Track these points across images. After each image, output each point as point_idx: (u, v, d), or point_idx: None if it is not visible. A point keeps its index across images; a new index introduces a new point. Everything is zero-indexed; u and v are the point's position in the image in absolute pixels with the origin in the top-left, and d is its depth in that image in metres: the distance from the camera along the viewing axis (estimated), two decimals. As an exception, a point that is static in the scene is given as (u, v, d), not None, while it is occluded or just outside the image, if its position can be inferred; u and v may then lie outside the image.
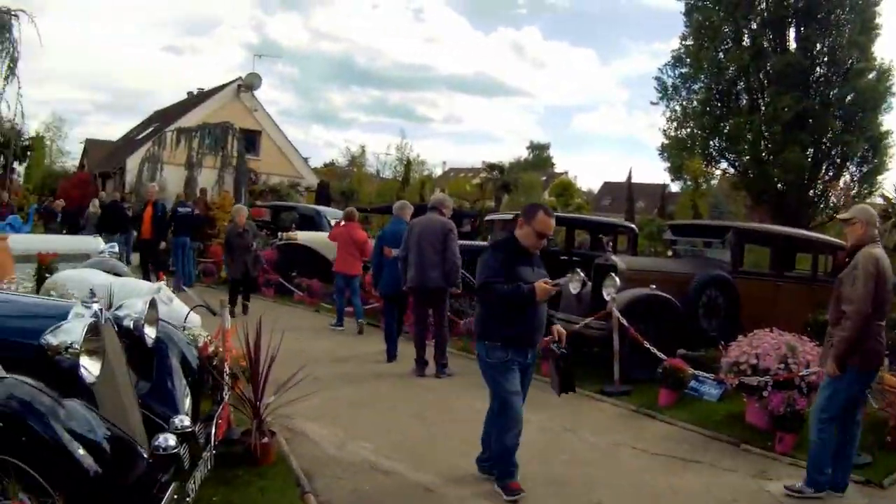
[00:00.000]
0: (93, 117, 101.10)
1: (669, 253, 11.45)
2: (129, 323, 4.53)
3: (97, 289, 6.81)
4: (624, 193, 46.14)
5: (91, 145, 46.15)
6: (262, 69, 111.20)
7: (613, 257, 9.73)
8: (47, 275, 7.44)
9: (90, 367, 3.64)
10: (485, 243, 13.63)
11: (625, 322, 8.46)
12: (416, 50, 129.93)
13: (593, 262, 9.98)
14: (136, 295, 7.00)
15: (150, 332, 4.58)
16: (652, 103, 36.07)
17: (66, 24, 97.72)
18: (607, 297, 9.04)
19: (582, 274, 9.98)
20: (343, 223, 12.78)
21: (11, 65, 12.12)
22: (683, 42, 34.92)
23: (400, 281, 9.43)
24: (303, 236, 16.91)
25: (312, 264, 15.53)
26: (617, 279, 9.14)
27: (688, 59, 34.62)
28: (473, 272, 11.83)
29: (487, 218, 15.71)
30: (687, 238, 11.57)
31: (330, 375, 8.63)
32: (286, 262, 16.07)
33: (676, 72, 35.36)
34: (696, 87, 35.10)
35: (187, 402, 4.72)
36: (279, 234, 18.02)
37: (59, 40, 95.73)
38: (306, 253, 16.04)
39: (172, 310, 7.02)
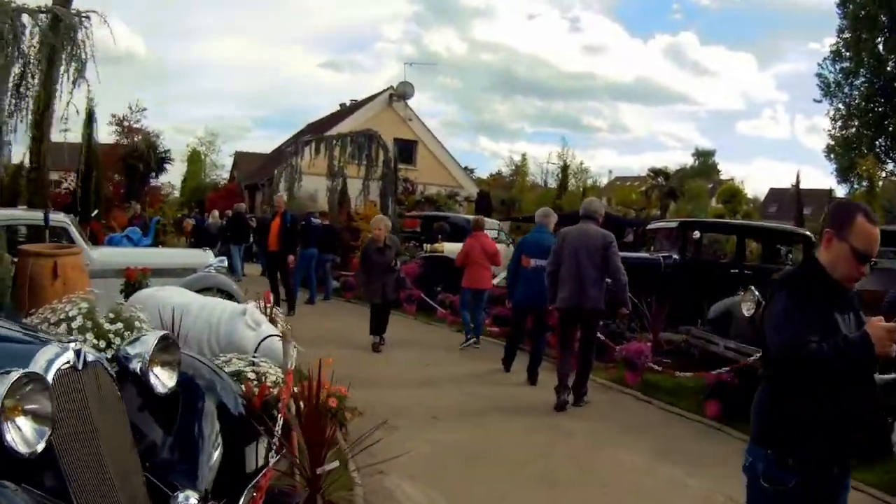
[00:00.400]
0: (253, 133, 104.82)
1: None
2: (136, 366, 3.47)
3: (164, 310, 6.07)
4: (790, 200, 42.72)
5: (240, 158, 46.87)
6: (424, 82, 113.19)
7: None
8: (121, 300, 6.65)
9: (28, 435, 2.59)
10: (647, 255, 12.11)
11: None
12: (576, 59, 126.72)
13: (770, 277, 8.26)
14: (216, 317, 6.14)
15: (163, 378, 3.50)
16: (815, 101, 34.81)
17: (225, 45, 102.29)
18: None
19: (757, 293, 8.29)
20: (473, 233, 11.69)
21: (79, 67, 11.62)
22: (841, 35, 32.68)
23: (536, 294, 8.62)
24: (449, 248, 15.83)
25: (457, 278, 14.17)
26: (756, 293, 7.43)
27: (847, 53, 32.32)
28: (642, 289, 10.47)
29: (649, 227, 14.04)
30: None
31: (450, 410, 7.55)
32: (431, 276, 15.02)
33: (837, 66, 33.38)
34: (857, 82, 32.86)
35: (214, 459, 3.59)
36: (425, 245, 17.09)
37: (220, 61, 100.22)
38: (452, 266, 14.72)
39: (260, 335, 6.07)
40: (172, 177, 44.80)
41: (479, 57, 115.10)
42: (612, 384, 9.06)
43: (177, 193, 41.13)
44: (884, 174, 31.84)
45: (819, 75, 33.66)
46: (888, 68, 31.02)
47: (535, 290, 8.70)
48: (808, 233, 12.41)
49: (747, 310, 8.31)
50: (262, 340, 5.47)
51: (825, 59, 33.85)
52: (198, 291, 8.56)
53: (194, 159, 45.61)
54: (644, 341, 9.66)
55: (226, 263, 10.76)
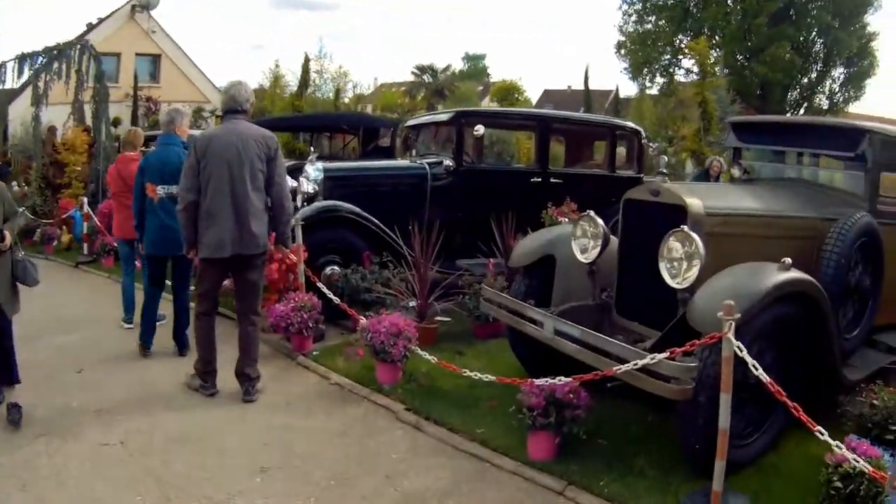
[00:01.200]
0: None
1: (735, 173, 6.05)
2: None
3: None
4: (567, 100, 40.77)
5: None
6: (194, 3, 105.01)
7: (672, 186, 4.43)
8: None
9: None
10: (407, 162, 8.38)
11: (752, 361, 3.18)
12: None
13: (623, 196, 4.63)
14: None
15: None
16: (605, -6, 32.29)
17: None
18: (678, 285, 3.84)
19: (599, 221, 4.66)
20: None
21: None
22: None
23: (175, 236, 5.55)
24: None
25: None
26: (697, 239, 3.85)
27: (647, -58, 30.51)
28: (401, 213, 7.23)
29: (409, 123, 10.07)
30: (771, 148, 6.01)
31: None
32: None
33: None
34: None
35: None
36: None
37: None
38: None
39: None
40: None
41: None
42: (356, 386, 5.32)
43: None
44: (682, 71, 30.58)
45: (613, -34, 31.73)
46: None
47: (168, 229, 5.92)
48: (637, 127, 9.02)
49: (582, 250, 4.69)
50: None
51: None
52: None
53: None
54: (405, 301, 6.30)
55: None
